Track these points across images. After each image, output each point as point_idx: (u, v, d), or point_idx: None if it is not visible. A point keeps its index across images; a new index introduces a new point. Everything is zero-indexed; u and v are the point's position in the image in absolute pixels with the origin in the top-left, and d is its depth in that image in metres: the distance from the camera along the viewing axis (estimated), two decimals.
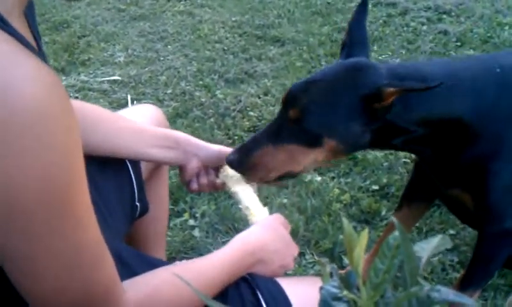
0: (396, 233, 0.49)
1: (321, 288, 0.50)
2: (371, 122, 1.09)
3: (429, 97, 1.09)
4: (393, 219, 0.51)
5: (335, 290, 0.50)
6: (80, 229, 0.64)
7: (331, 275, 0.52)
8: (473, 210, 1.25)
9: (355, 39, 1.21)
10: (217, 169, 1.19)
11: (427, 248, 0.57)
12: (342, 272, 0.52)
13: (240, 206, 1.13)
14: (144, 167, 1.25)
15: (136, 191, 1.19)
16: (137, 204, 1.21)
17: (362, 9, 1.23)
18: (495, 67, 1.18)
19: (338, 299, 0.49)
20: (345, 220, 0.49)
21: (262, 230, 1.00)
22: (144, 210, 1.25)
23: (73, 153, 0.61)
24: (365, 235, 0.47)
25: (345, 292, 0.48)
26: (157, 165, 1.29)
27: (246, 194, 1.14)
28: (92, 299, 0.68)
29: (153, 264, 0.96)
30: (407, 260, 0.48)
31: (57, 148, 0.59)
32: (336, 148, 1.11)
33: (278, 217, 1.06)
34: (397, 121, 1.11)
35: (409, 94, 1.07)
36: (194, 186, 1.20)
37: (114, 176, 1.15)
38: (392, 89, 1.03)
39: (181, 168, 1.20)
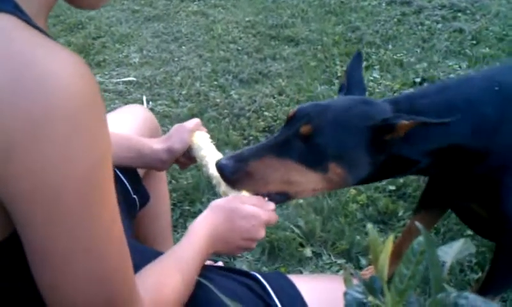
0: (420, 238, 0.49)
1: (345, 294, 0.50)
2: (378, 154, 1.09)
3: (431, 131, 1.10)
4: (417, 224, 0.51)
5: (359, 296, 0.50)
6: (115, 224, 0.65)
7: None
8: (489, 222, 1.25)
9: (353, 82, 1.25)
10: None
11: (449, 252, 0.57)
12: (362, 273, 0.52)
13: (213, 181, 1.13)
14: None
15: (127, 185, 1.21)
16: (134, 196, 1.23)
17: (358, 57, 1.30)
18: (493, 86, 1.17)
19: (363, 304, 0.49)
20: (370, 227, 0.49)
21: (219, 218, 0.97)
22: (145, 200, 1.27)
23: (108, 143, 0.62)
24: (390, 241, 0.47)
25: (370, 298, 0.49)
26: None
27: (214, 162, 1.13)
28: (116, 301, 0.67)
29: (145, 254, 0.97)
30: (432, 266, 0.48)
31: (96, 137, 0.60)
32: (340, 176, 1.09)
33: (231, 199, 1.02)
34: (403, 153, 1.11)
35: (414, 129, 1.07)
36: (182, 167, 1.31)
37: None
38: (405, 122, 1.04)
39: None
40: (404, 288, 0.48)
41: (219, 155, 1.17)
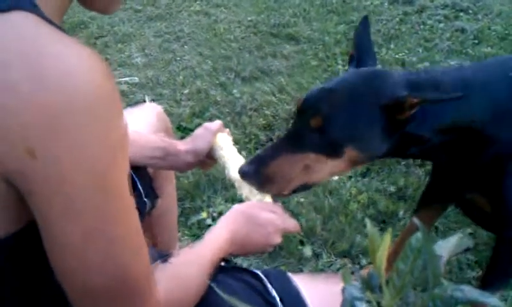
0: (418, 234, 0.49)
1: (343, 290, 0.50)
2: (391, 132, 1.08)
3: (444, 107, 1.09)
4: (415, 220, 0.51)
5: (357, 292, 0.50)
6: (133, 214, 0.66)
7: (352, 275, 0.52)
8: (491, 214, 1.24)
9: (362, 51, 1.23)
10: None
11: (446, 247, 0.57)
12: (363, 271, 0.52)
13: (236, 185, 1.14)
14: None
15: (141, 189, 1.22)
16: (145, 200, 1.24)
17: (365, 22, 1.27)
18: (507, 71, 1.18)
19: (361, 299, 0.50)
20: (368, 222, 0.49)
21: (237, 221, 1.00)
22: (154, 204, 1.29)
23: (124, 135, 0.64)
24: (388, 236, 0.47)
25: (367, 293, 0.49)
26: None
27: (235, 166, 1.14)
28: (133, 286, 0.68)
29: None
30: (429, 261, 0.48)
31: (112, 129, 0.61)
32: (356, 157, 1.09)
33: (250, 205, 1.05)
34: (415, 130, 1.10)
35: (426, 105, 1.06)
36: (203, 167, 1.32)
37: None
38: (413, 99, 1.03)
39: None
40: (402, 283, 0.48)
41: (239, 157, 1.19)
